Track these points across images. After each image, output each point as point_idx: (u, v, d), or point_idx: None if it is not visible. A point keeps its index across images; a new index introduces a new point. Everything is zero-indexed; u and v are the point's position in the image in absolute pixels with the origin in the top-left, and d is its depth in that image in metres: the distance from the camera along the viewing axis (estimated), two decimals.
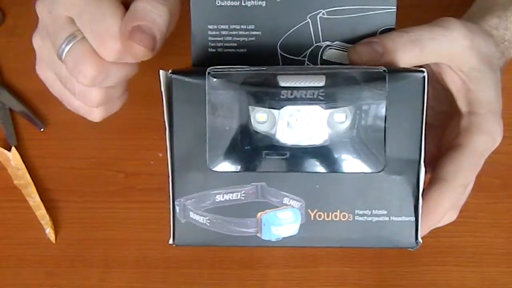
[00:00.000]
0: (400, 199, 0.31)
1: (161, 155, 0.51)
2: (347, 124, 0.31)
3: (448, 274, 0.48)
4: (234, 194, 0.32)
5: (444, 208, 0.34)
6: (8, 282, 0.48)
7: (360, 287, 0.48)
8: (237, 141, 0.31)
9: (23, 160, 0.52)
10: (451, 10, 0.35)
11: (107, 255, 0.49)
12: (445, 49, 0.34)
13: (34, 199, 0.51)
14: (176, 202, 0.32)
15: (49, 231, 0.50)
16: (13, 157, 0.52)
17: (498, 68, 0.37)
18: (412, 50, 0.33)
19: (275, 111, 0.31)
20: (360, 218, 0.32)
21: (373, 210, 0.31)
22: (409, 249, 0.32)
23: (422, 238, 0.33)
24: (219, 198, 0.32)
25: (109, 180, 0.51)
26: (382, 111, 0.30)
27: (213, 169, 0.31)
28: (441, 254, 0.48)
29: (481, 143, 0.35)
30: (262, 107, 0.31)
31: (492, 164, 0.52)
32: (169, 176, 0.32)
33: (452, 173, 0.34)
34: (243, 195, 0.31)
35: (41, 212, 0.50)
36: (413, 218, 0.32)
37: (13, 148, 0.52)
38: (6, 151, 0.52)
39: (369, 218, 0.32)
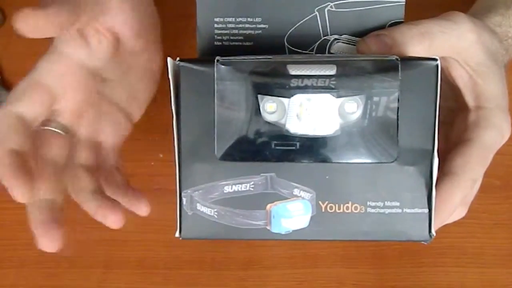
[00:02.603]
0: (413, 190, 0.31)
1: (161, 155, 0.51)
2: (358, 114, 0.30)
3: (448, 275, 0.48)
4: (243, 185, 0.31)
5: (455, 202, 0.33)
6: (9, 283, 0.48)
7: None
8: (246, 130, 0.30)
9: None
10: (453, 9, 0.35)
11: (108, 256, 0.49)
12: (454, 43, 0.34)
13: None
14: (183, 194, 0.31)
15: None
16: None
17: (503, 64, 0.37)
18: (422, 43, 0.33)
19: (285, 100, 0.30)
20: (372, 210, 0.31)
21: (386, 202, 0.31)
22: (423, 242, 0.31)
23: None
24: (227, 189, 0.31)
25: None
26: (395, 100, 0.30)
27: (221, 159, 0.31)
28: (442, 255, 0.48)
29: (489, 137, 0.34)
30: (272, 95, 0.30)
31: (493, 165, 0.52)
32: (176, 167, 0.31)
33: (461, 167, 0.34)
34: (252, 186, 0.31)
35: None
36: (426, 210, 0.31)
37: None
38: None
39: (382, 210, 0.31)
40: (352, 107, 0.30)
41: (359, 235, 0.31)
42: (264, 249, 0.49)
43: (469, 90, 0.36)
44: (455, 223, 0.49)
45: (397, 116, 0.30)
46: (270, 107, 0.30)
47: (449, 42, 0.34)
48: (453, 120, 0.37)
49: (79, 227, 0.50)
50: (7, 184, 0.31)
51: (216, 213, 0.31)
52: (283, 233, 0.31)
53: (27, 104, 0.34)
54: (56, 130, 0.35)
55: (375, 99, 0.30)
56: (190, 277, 0.48)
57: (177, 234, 0.31)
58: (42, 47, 0.57)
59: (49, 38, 0.37)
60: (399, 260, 0.48)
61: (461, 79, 0.36)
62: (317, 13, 0.34)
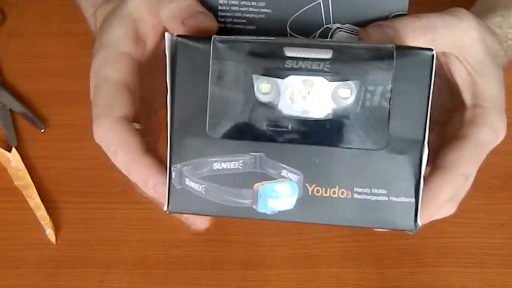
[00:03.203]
0: (401, 179, 0.31)
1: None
2: (351, 99, 0.30)
3: (448, 275, 0.48)
4: (232, 163, 0.31)
5: (444, 196, 0.33)
6: (9, 283, 0.48)
7: None
8: (238, 109, 0.30)
9: (23, 161, 0.52)
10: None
11: (108, 256, 0.49)
12: (456, 39, 0.34)
13: (34, 200, 0.51)
14: (172, 168, 0.31)
15: (50, 232, 0.49)
16: (13, 158, 0.52)
17: (502, 66, 0.37)
18: (424, 36, 0.33)
19: (279, 81, 0.30)
20: (359, 196, 0.31)
21: (373, 189, 0.31)
22: (408, 231, 0.31)
23: (421, 229, 0.32)
24: (216, 166, 0.31)
25: (110, 181, 0.51)
26: (388, 88, 0.30)
27: (213, 136, 0.31)
28: (442, 255, 0.48)
29: (484, 135, 0.34)
30: (266, 75, 0.30)
31: (492, 165, 0.52)
32: (167, 141, 0.31)
33: (453, 162, 0.33)
34: (241, 164, 0.31)
35: (41, 213, 0.50)
36: (413, 200, 0.31)
37: (13, 149, 0.52)
38: (6, 152, 0.52)
39: (368, 197, 0.31)
40: (345, 93, 0.30)
41: (344, 220, 0.31)
42: (264, 249, 0.49)
43: (467, 87, 0.35)
44: (455, 224, 0.50)
45: (390, 104, 0.30)
46: (264, 87, 0.30)
47: (451, 38, 0.34)
48: (449, 120, 0.37)
49: (79, 227, 0.50)
50: None
51: (204, 189, 0.31)
52: (269, 213, 0.31)
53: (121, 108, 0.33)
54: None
55: (369, 85, 0.30)
56: (190, 277, 0.48)
57: (165, 208, 0.31)
58: (42, 48, 0.58)
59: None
60: (399, 260, 0.48)
61: (460, 76, 0.36)
62: (320, 1, 0.34)
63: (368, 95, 0.30)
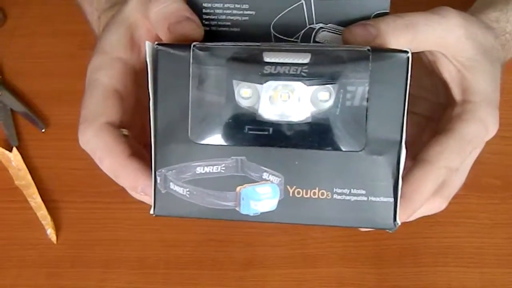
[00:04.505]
0: (379, 179, 0.31)
1: None
2: (330, 103, 0.31)
3: (448, 275, 0.48)
4: (215, 167, 0.31)
5: (426, 190, 0.33)
6: (9, 282, 0.48)
7: None
8: (219, 114, 0.31)
9: (24, 161, 0.52)
10: (452, 6, 0.35)
11: (108, 255, 0.49)
12: (440, 37, 0.34)
13: (35, 199, 0.51)
14: (157, 173, 0.32)
15: (50, 232, 0.50)
16: (14, 157, 0.52)
17: (498, 60, 0.37)
18: (405, 35, 0.33)
19: (258, 86, 0.31)
20: (339, 197, 0.31)
21: (352, 189, 0.31)
22: (387, 230, 0.32)
23: (407, 222, 0.32)
24: (199, 170, 0.32)
25: (110, 180, 0.50)
26: (365, 90, 0.30)
27: (195, 141, 0.31)
28: (442, 255, 0.48)
29: (471, 130, 0.34)
30: (246, 81, 0.31)
31: (493, 165, 0.52)
32: (151, 147, 0.32)
33: (435, 155, 0.33)
34: (223, 168, 0.31)
35: (42, 212, 0.50)
36: (391, 199, 0.31)
37: (14, 149, 0.52)
38: (7, 152, 0.52)
39: (348, 197, 0.31)
40: (324, 96, 0.31)
41: (324, 220, 0.32)
42: (264, 249, 0.49)
43: (457, 84, 0.35)
44: (455, 224, 0.50)
45: (367, 106, 0.31)
46: (245, 92, 0.31)
47: (434, 36, 0.34)
48: (441, 117, 0.37)
49: (80, 227, 0.51)
50: None
51: (188, 192, 0.32)
52: (251, 215, 0.31)
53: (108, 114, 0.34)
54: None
55: (347, 88, 0.30)
56: (190, 277, 0.48)
57: (151, 211, 0.32)
58: (42, 47, 0.58)
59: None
60: (399, 260, 0.48)
61: (448, 73, 0.36)
62: (303, 1, 0.34)
63: (347, 98, 0.31)
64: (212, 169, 0.31)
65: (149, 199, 0.33)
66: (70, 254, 0.49)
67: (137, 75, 0.35)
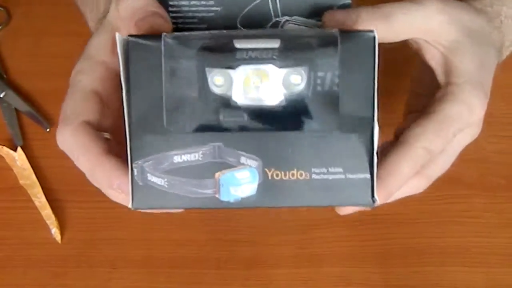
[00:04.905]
0: (355, 156, 0.32)
1: None
2: (302, 85, 0.31)
3: (453, 275, 0.48)
4: (192, 155, 0.31)
5: (403, 170, 0.33)
6: (15, 282, 0.48)
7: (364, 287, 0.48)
8: (194, 103, 0.31)
9: (29, 160, 0.52)
10: None
11: (113, 255, 0.49)
12: (419, 24, 0.34)
13: (40, 199, 0.51)
14: (133, 165, 0.31)
15: (55, 231, 0.50)
16: (19, 157, 0.52)
17: (490, 44, 0.37)
18: (383, 24, 0.33)
19: (231, 72, 0.31)
20: (317, 177, 0.32)
21: (329, 168, 0.32)
22: (366, 206, 0.32)
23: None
24: (177, 159, 0.31)
25: None
26: (336, 71, 0.31)
27: (170, 131, 0.31)
28: (447, 255, 0.48)
29: (453, 111, 0.34)
30: (218, 67, 0.31)
31: (498, 164, 0.52)
32: (126, 139, 0.31)
33: (414, 136, 0.33)
34: (201, 155, 0.31)
35: (47, 212, 0.50)
36: (368, 176, 0.32)
37: (19, 148, 0.52)
38: (12, 151, 0.52)
39: (326, 176, 0.32)
40: (296, 79, 0.31)
41: (305, 201, 0.32)
42: (268, 248, 0.49)
43: (441, 67, 0.36)
44: (460, 223, 0.49)
45: (338, 86, 0.31)
46: (217, 80, 0.31)
47: (413, 24, 0.34)
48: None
49: (85, 226, 0.51)
50: None
51: (166, 182, 0.31)
52: (232, 201, 0.31)
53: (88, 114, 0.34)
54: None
55: (318, 70, 0.31)
56: (195, 276, 0.48)
57: (129, 205, 0.32)
58: (47, 47, 0.58)
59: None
60: (404, 259, 0.48)
61: (433, 59, 0.36)
62: None
63: (318, 80, 0.31)
64: (190, 157, 0.31)
65: (125, 198, 0.33)
66: (75, 254, 0.49)
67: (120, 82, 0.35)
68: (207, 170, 0.31)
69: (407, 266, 0.48)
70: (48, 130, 0.54)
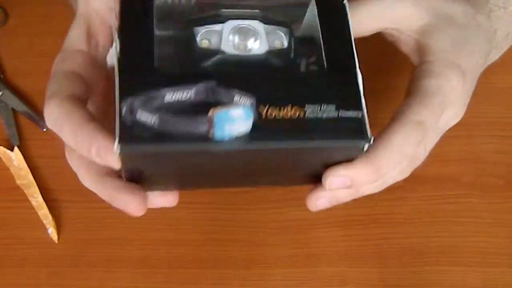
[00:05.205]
0: (346, 94, 0.32)
1: None
2: (285, 44, 0.34)
3: (451, 274, 0.48)
4: (184, 93, 0.30)
5: (393, 142, 0.33)
6: (11, 281, 0.48)
7: (362, 287, 0.48)
8: (185, 46, 0.33)
9: (25, 160, 0.52)
10: None
11: (110, 255, 0.49)
12: (387, 13, 0.35)
13: (36, 199, 0.51)
14: (122, 103, 0.29)
15: (52, 231, 0.50)
16: (15, 157, 0.52)
17: (475, 29, 0.37)
18: (353, 17, 0.34)
19: (219, 26, 0.33)
20: (311, 115, 0.31)
21: (323, 105, 0.32)
22: (360, 147, 0.32)
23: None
24: (168, 97, 0.30)
25: None
26: (316, 26, 0.34)
27: (162, 71, 0.31)
28: (444, 254, 0.48)
29: (432, 85, 0.34)
30: (206, 24, 0.33)
31: (495, 164, 0.52)
32: (115, 76, 0.30)
33: (400, 112, 0.34)
34: (193, 93, 0.30)
35: (43, 211, 0.50)
36: (360, 114, 0.32)
37: (15, 148, 0.52)
38: (8, 151, 0.52)
39: (319, 114, 0.31)
40: (278, 44, 0.34)
41: (299, 142, 0.32)
42: (266, 248, 0.49)
43: (415, 52, 0.36)
44: (458, 223, 0.50)
45: (321, 38, 0.33)
46: (204, 43, 0.33)
47: (377, 15, 0.35)
48: None
49: (81, 226, 0.50)
50: None
51: (157, 120, 0.30)
52: (226, 139, 0.30)
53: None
54: None
55: (300, 27, 0.35)
56: (192, 276, 0.48)
57: (115, 148, 0.29)
58: (44, 47, 0.58)
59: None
60: (401, 259, 0.48)
61: (407, 45, 0.37)
62: None
63: (300, 35, 0.34)
64: (182, 95, 0.30)
65: (128, 202, 0.33)
66: (72, 253, 0.49)
67: (100, 68, 0.35)
68: (200, 108, 0.30)
69: (404, 265, 0.48)
70: (45, 130, 0.54)
